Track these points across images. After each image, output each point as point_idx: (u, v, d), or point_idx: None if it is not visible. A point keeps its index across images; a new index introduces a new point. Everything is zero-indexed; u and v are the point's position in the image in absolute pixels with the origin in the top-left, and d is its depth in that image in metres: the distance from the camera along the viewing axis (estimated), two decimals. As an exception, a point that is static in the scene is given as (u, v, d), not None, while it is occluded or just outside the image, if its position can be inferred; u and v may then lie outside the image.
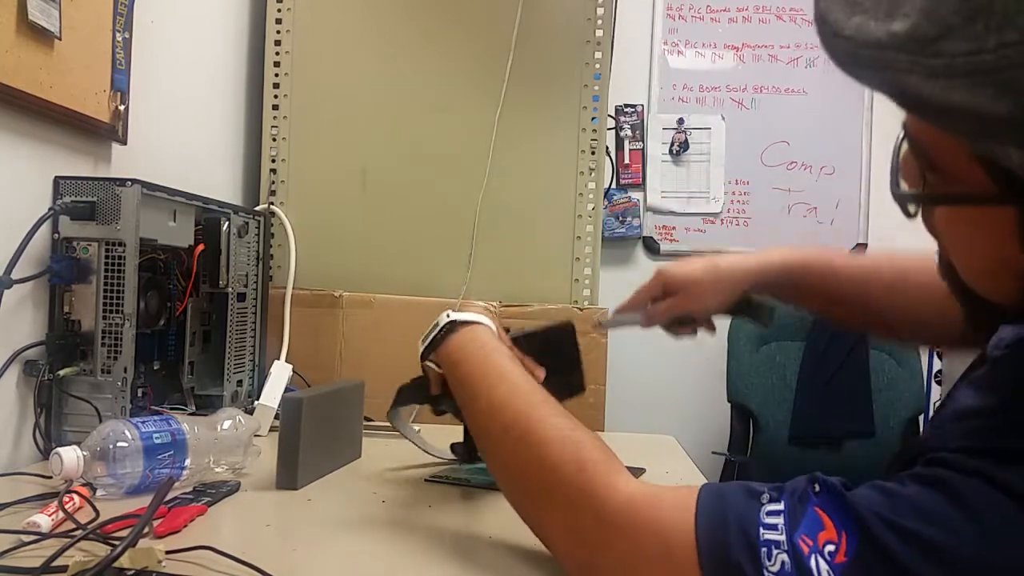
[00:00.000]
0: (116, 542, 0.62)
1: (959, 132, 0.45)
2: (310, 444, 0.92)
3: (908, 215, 0.53)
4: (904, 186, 0.53)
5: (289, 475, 0.90)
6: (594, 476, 0.60)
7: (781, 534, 0.49)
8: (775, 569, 0.48)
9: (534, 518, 0.65)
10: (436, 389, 0.82)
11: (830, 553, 0.47)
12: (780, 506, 0.50)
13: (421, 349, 0.81)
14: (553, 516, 0.62)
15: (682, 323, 0.94)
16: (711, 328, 0.96)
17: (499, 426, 0.69)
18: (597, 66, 1.57)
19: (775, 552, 0.48)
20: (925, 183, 0.51)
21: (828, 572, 0.47)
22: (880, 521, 0.47)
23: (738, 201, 2.44)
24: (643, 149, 2.44)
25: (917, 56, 0.41)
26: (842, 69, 0.47)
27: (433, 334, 0.80)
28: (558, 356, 0.88)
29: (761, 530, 0.49)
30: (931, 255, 0.61)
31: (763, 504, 0.51)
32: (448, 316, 0.80)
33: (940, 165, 0.49)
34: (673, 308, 0.92)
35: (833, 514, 0.49)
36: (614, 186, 2.43)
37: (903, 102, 0.45)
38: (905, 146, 0.52)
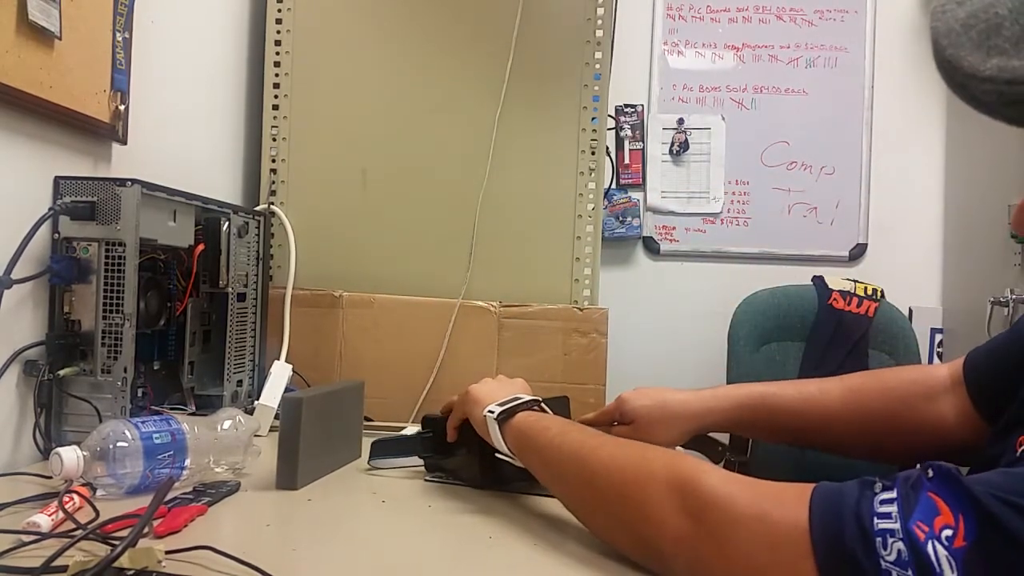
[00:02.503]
0: (116, 542, 0.62)
1: None
2: (310, 444, 0.92)
3: None
4: None
5: (289, 475, 0.90)
6: (694, 462, 0.62)
7: (895, 522, 0.48)
8: (891, 558, 0.47)
9: (628, 504, 0.65)
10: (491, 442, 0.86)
11: (948, 538, 0.46)
12: (893, 494, 0.49)
13: (497, 412, 0.84)
14: (651, 497, 0.62)
15: None
16: None
17: (592, 446, 0.73)
18: (597, 66, 1.57)
19: (890, 541, 0.47)
20: None
21: (948, 558, 0.45)
22: (997, 501, 0.46)
23: (738, 201, 2.44)
24: (643, 149, 2.44)
25: None
26: (982, 110, 0.49)
27: (510, 406, 0.85)
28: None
29: (875, 519, 0.48)
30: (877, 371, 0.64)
31: (876, 493, 0.50)
32: (516, 398, 0.87)
33: None
34: (629, 437, 0.96)
35: (948, 498, 0.48)
36: (614, 186, 2.42)
37: None
38: None
